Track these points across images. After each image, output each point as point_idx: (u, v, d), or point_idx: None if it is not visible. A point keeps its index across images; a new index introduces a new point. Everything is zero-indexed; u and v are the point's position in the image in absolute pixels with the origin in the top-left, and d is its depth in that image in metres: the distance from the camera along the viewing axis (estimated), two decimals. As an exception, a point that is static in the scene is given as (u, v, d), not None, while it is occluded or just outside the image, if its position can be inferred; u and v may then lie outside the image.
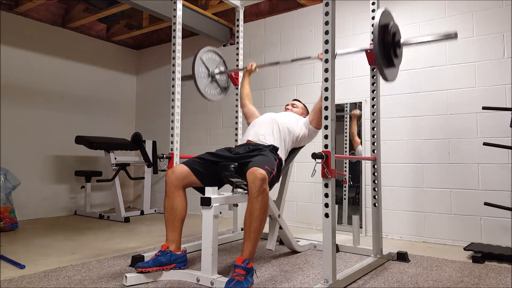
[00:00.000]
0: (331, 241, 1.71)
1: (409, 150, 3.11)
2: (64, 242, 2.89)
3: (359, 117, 3.37)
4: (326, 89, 1.77)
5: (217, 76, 2.91)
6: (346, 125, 3.48)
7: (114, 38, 4.92)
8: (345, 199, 3.44)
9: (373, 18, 2.43)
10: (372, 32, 1.88)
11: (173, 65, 2.57)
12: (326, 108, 1.76)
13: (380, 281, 1.97)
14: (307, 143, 2.58)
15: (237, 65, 3.16)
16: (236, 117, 3.15)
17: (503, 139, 2.71)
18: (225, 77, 3.02)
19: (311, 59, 2.52)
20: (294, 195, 3.58)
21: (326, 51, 1.78)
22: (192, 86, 2.80)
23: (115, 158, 4.16)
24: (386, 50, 1.92)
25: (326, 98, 1.76)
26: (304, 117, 2.70)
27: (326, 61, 1.78)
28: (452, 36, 1.85)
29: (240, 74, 3.16)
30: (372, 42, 2.39)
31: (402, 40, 2.03)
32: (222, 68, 2.95)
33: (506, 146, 2.53)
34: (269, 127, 2.41)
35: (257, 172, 1.84)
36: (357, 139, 3.38)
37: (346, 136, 3.49)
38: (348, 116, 3.46)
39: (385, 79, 1.98)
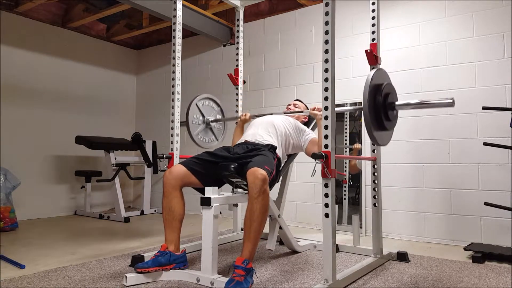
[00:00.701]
0: (331, 241, 1.71)
1: (409, 150, 3.11)
2: (64, 242, 2.89)
3: (359, 151, 3.37)
4: (326, 89, 1.77)
5: (213, 124, 2.90)
6: (346, 125, 3.48)
7: (114, 38, 4.92)
8: (345, 199, 3.44)
9: (373, 20, 2.43)
10: (363, 92, 1.74)
11: (173, 65, 2.56)
12: (326, 108, 1.76)
13: (380, 281, 1.97)
14: (297, 152, 2.58)
15: (237, 65, 3.16)
16: (236, 117, 3.14)
17: (503, 139, 2.71)
18: (222, 126, 3.00)
19: (303, 113, 2.57)
20: (294, 195, 3.58)
21: (326, 51, 1.78)
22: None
23: (115, 158, 4.16)
24: (376, 112, 1.79)
25: (326, 98, 1.76)
26: (305, 118, 2.71)
27: (326, 61, 1.78)
28: (449, 103, 1.78)
29: (241, 74, 3.17)
30: (372, 43, 2.40)
31: (397, 103, 1.89)
32: (219, 117, 2.95)
33: (506, 146, 2.53)
34: (266, 128, 2.41)
35: (257, 173, 1.84)
36: (358, 167, 3.39)
37: (346, 136, 3.49)
38: (348, 149, 3.46)
39: (375, 142, 1.85)
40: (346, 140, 3.48)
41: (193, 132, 2.80)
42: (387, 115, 1.85)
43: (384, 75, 1.90)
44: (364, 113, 1.73)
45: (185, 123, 2.72)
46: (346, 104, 3.44)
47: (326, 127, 1.76)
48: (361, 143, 3.35)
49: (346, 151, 3.48)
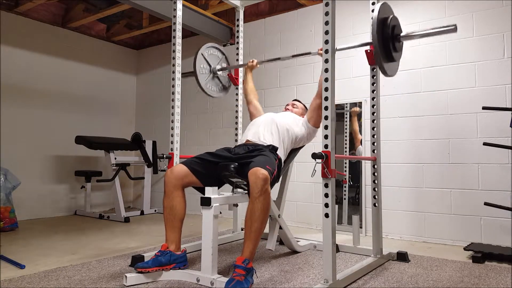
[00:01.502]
0: (331, 241, 1.71)
1: (409, 150, 3.11)
2: (64, 242, 2.89)
3: (359, 115, 3.37)
4: (326, 89, 1.77)
5: (219, 73, 2.93)
6: (346, 125, 3.48)
7: (114, 38, 4.92)
8: (345, 199, 3.44)
9: (373, 11, 2.42)
10: (371, 26, 1.86)
11: (173, 65, 2.57)
12: (326, 108, 1.76)
13: (380, 281, 1.97)
14: (306, 143, 2.58)
15: (239, 64, 3.16)
16: (236, 117, 3.14)
17: (503, 139, 2.71)
18: (227, 75, 3.03)
19: (312, 54, 2.54)
20: (294, 195, 3.58)
21: (326, 51, 1.78)
22: (193, 85, 2.80)
23: (115, 158, 4.16)
24: (385, 44, 1.89)
25: (326, 98, 1.77)
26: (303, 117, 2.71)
27: (326, 61, 1.78)
28: (451, 28, 1.84)
29: (241, 73, 3.17)
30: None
31: (402, 34, 1.99)
32: (224, 65, 2.96)
33: (506, 146, 2.53)
34: (268, 127, 2.41)
35: (259, 173, 1.84)
36: (359, 136, 3.37)
37: (346, 136, 3.48)
38: (348, 114, 3.45)
39: (385, 73, 1.96)
40: (346, 140, 3.48)
41: (201, 82, 2.80)
42: (394, 46, 1.95)
43: (389, 8, 1.96)
44: (375, 47, 1.82)
45: (190, 74, 2.72)
46: (346, 104, 3.45)
47: (326, 127, 1.76)
48: (361, 143, 3.35)
49: (346, 118, 3.46)
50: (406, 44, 3.16)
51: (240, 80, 3.15)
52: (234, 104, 3.16)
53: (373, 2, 2.42)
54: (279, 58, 2.74)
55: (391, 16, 1.94)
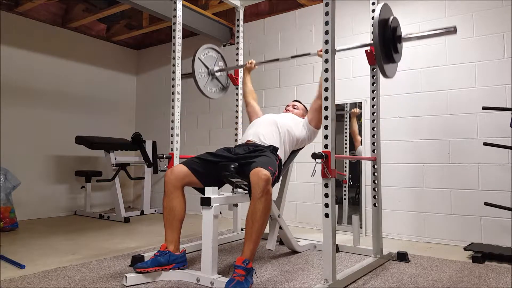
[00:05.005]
0: (331, 241, 1.71)
1: (409, 150, 3.11)
2: (64, 242, 2.89)
3: (359, 116, 3.37)
4: (326, 89, 1.77)
5: (217, 74, 2.97)
6: (346, 125, 3.48)
7: (114, 38, 4.92)
8: (345, 199, 3.44)
9: (373, 11, 2.42)
10: (372, 26, 1.87)
11: (173, 65, 2.57)
12: (326, 108, 1.76)
13: (380, 281, 1.97)
14: (307, 144, 2.58)
15: (237, 65, 3.16)
16: (236, 117, 3.15)
17: (503, 139, 2.71)
18: (225, 74, 3.04)
19: (311, 55, 2.55)
20: (294, 195, 3.58)
21: (326, 51, 1.78)
22: (192, 85, 2.81)
23: (115, 158, 4.16)
24: (386, 45, 1.89)
25: (326, 98, 1.77)
26: (303, 117, 2.71)
27: (326, 61, 1.78)
28: (451, 30, 1.85)
29: (240, 73, 3.17)
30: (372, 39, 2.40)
31: (402, 35, 2.01)
32: (221, 64, 2.99)
33: (506, 146, 2.53)
34: (268, 128, 2.41)
35: (261, 173, 1.84)
36: (358, 137, 3.37)
37: (346, 136, 3.48)
38: (348, 115, 3.46)
39: (384, 75, 1.96)
40: (346, 140, 3.48)
41: (201, 86, 2.84)
42: (396, 48, 1.96)
43: (389, 10, 1.98)
44: (376, 48, 1.86)
45: (189, 75, 2.75)
46: (346, 104, 3.45)
47: (326, 127, 1.76)
48: (361, 143, 3.34)
49: (346, 118, 3.46)
50: (406, 44, 3.17)
51: (240, 80, 3.15)
52: (234, 104, 3.16)
53: (373, 2, 2.42)
54: (277, 59, 2.75)
55: (391, 17, 1.94)
